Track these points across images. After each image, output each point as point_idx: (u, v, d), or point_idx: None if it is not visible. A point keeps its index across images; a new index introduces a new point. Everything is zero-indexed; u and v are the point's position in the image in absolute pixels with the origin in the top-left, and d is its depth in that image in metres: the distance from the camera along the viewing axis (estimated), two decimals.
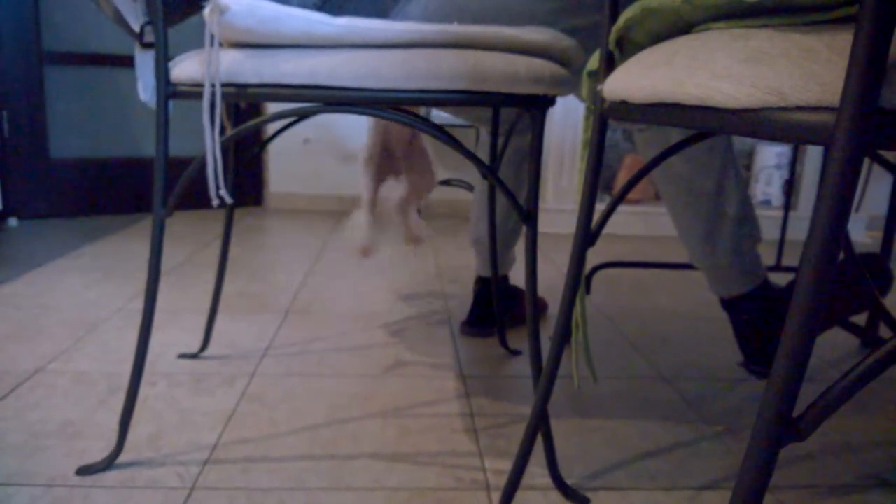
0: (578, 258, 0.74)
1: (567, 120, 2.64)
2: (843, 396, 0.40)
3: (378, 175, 1.41)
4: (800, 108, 0.41)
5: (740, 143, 2.87)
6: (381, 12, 1.12)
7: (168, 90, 0.83)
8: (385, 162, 1.41)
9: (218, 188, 0.81)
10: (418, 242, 1.48)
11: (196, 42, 0.79)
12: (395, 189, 1.47)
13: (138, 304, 1.60)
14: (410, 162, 1.43)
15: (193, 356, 1.30)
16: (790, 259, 1.91)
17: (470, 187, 2.98)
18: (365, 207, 1.41)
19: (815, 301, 0.39)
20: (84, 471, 0.89)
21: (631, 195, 2.81)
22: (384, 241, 1.43)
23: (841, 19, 0.44)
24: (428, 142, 1.44)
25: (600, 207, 0.65)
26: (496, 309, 1.41)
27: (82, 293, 1.68)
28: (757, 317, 1.19)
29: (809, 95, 0.40)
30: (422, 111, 1.25)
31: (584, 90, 0.75)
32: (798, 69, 0.41)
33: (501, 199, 1.38)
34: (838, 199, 0.37)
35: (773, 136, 0.43)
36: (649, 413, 1.12)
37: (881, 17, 0.35)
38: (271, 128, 2.91)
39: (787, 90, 0.41)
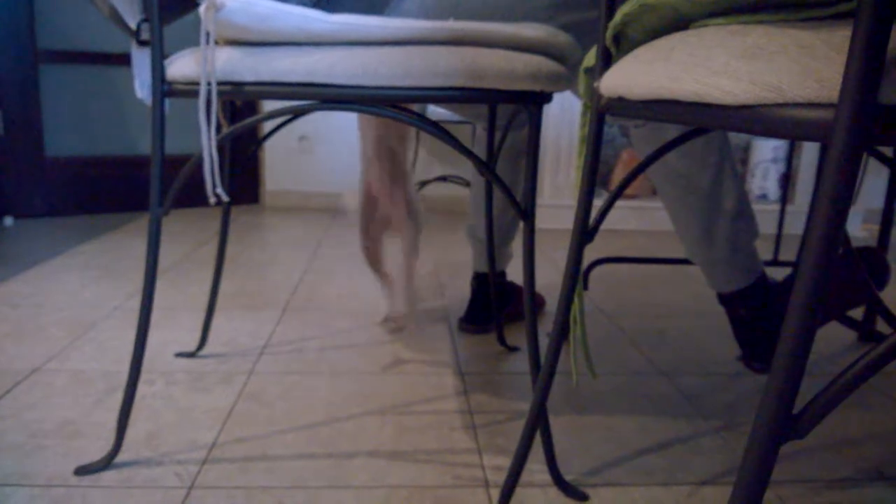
0: (576, 254, 0.74)
1: (563, 115, 2.63)
2: (843, 393, 0.40)
3: (367, 230, 1.41)
4: (798, 105, 0.41)
5: (736, 137, 2.87)
6: (377, 9, 1.12)
7: (164, 88, 0.83)
8: (371, 214, 1.40)
9: (214, 186, 0.81)
10: (402, 323, 1.51)
11: (192, 40, 0.79)
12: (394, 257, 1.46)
13: (135, 303, 1.60)
14: (398, 214, 1.38)
15: (191, 355, 1.29)
16: (787, 253, 1.91)
17: (467, 183, 2.98)
18: (368, 267, 1.44)
19: (814, 301, 0.38)
20: (82, 470, 0.89)
21: (627, 190, 2.81)
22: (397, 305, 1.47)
23: (839, 15, 0.44)
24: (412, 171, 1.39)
25: (597, 203, 0.65)
26: (494, 305, 1.41)
27: (79, 292, 1.67)
28: (755, 312, 1.19)
29: (808, 92, 0.40)
30: (415, 107, 1.27)
31: (581, 87, 0.75)
32: (796, 65, 0.41)
33: (498, 195, 1.38)
34: (837, 196, 0.37)
35: (771, 133, 0.43)
36: (648, 409, 1.13)
37: (880, 12, 0.35)
38: (267, 125, 2.91)
39: (785, 86, 0.41)
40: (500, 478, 0.91)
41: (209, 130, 0.79)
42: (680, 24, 0.58)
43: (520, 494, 0.87)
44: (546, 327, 1.51)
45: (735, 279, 1.19)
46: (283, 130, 3.05)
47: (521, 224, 0.89)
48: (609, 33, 0.65)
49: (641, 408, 1.13)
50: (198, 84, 0.79)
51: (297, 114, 0.84)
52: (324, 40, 0.79)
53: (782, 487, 0.90)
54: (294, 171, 3.08)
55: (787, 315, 0.40)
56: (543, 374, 0.79)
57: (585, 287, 1.86)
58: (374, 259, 1.44)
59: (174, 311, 1.56)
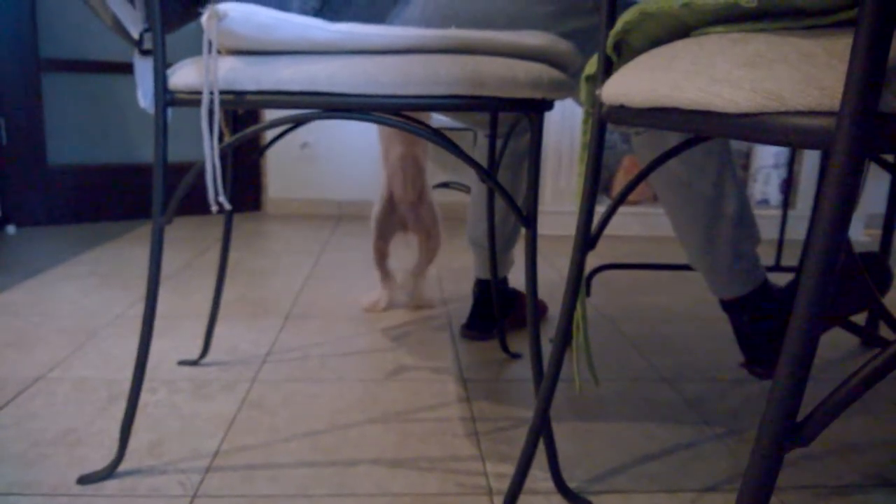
0: (578, 262, 0.74)
1: (564, 122, 2.64)
2: (847, 400, 0.39)
3: (383, 230, 1.60)
4: (799, 113, 0.41)
5: (737, 142, 2.87)
6: (379, 18, 1.12)
7: (166, 97, 0.83)
8: (389, 217, 1.59)
9: (217, 195, 0.81)
10: (428, 307, 1.70)
11: (195, 49, 0.79)
12: (406, 250, 1.71)
13: (137, 311, 1.60)
14: (418, 217, 1.60)
15: (193, 363, 1.29)
16: (789, 259, 1.91)
17: (468, 189, 2.99)
18: (374, 263, 1.64)
19: (817, 307, 0.38)
20: (85, 479, 0.89)
21: (629, 196, 2.81)
22: (392, 300, 1.69)
23: (839, 23, 0.44)
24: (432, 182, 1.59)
25: (599, 209, 0.65)
26: (496, 312, 1.40)
27: (81, 300, 1.67)
28: (757, 317, 1.19)
29: (809, 100, 0.40)
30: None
31: (583, 94, 0.75)
32: (797, 73, 0.41)
33: (500, 202, 1.38)
34: (839, 204, 0.37)
35: (773, 141, 0.43)
36: (651, 415, 1.12)
37: (881, 20, 0.35)
38: (269, 133, 2.91)
39: (787, 94, 0.41)
40: (504, 485, 0.91)
41: (211, 140, 0.79)
42: (681, 32, 0.58)
43: (523, 502, 0.87)
44: (548, 334, 1.51)
45: (737, 285, 1.19)
46: (285, 138, 3.06)
47: (523, 230, 0.89)
48: (610, 41, 0.66)
49: (644, 414, 1.13)
50: (200, 93, 0.79)
51: (298, 122, 0.84)
52: (325, 49, 0.79)
53: (786, 494, 0.90)
54: (296, 179, 3.08)
55: (791, 321, 0.40)
56: (546, 380, 0.79)
57: (588, 293, 1.86)
58: (381, 256, 1.63)
59: (177, 318, 1.56)
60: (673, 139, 1.14)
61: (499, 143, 1.32)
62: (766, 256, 1.40)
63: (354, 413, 1.11)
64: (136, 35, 0.87)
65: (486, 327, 1.48)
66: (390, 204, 1.58)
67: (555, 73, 0.85)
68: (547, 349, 1.32)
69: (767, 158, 2.80)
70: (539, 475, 0.93)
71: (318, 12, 1.08)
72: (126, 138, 2.79)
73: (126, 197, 2.79)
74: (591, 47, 1.06)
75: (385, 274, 1.66)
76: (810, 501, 0.88)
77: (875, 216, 2.80)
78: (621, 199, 0.72)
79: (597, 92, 0.68)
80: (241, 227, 2.72)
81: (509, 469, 0.95)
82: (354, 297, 1.76)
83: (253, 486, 0.89)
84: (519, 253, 1.51)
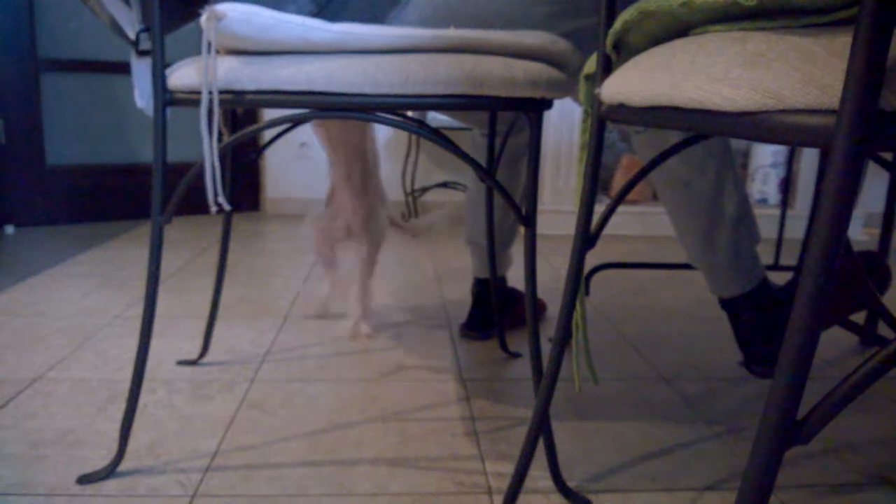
0: (578, 261, 0.74)
1: (563, 121, 2.64)
2: (847, 398, 0.40)
3: (329, 236, 1.47)
4: (798, 111, 0.41)
5: (736, 142, 2.87)
6: (378, 18, 1.12)
7: (165, 98, 0.83)
8: (332, 224, 1.46)
9: (216, 195, 0.81)
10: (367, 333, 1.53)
11: (193, 49, 0.79)
12: (351, 254, 1.52)
13: (136, 311, 1.60)
14: (361, 228, 1.45)
15: (193, 362, 1.29)
16: (788, 258, 1.91)
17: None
18: (326, 276, 1.55)
19: (817, 305, 0.38)
20: (85, 479, 0.89)
21: (628, 196, 2.81)
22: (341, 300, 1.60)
23: (838, 22, 0.44)
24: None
25: (598, 209, 0.65)
26: (495, 311, 1.40)
27: (80, 300, 1.67)
28: (757, 316, 1.19)
29: (808, 98, 0.40)
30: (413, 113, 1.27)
31: (582, 93, 0.75)
32: (796, 72, 0.41)
33: (498, 200, 1.38)
34: (839, 202, 0.37)
35: (772, 139, 0.43)
36: (650, 414, 1.12)
37: (880, 19, 0.35)
38: (268, 133, 2.91)
39: (786, 93, 0.41)
40: (503, 484, 0.91)
41: (211, 140, 0.79)
42: (680, 30, 0.58)
43: (523, 501, 0.87)
44: (548, 333, 1.51)
45: (737, 284, 1.19)
46: (284, 138, 3.05)
47: (522, 230, 0.89)
48: (609, 40, 0.66)
49: (644, 413, 1.13)
50: (199, 93, 0.79)
51: (297, 122, 0.84)
52: (324, 49, 0.79)
53: (785, 492, 0.90)
54: (295, 179, 3.08)
55: (790, 320, 0.40)
56: (546, 379, 0.79)
57: (587, 292, 1.86)
58: (328, 263, 1.52)
59: (175, 319, 1.56)
60: (674, 137, 1.14)
61: (497, 141, 1.32)
62: (765, 255, 1.40)
63: (353, 413, 1.11)
64: (133, 35, 0.87)
65: (486, 326, 1.48)
66: (330, 204, 1.46)
67: (553, 73, 0.85)
68: (546, 348, 1.32)
69: (766, 157, 2.80)
70: (538, 474, 0.93)
71: (315, 16, 1.08)
72: (125, 138, 2.79)
73: (125, 197, 2.79)
74: (591, 47, 1.06)
75: (333, 281, 1.58)
76: (809, 500, 0.88)
77: (874, 215, 2.80)
78: (621, 198, 0.72)
79: (596, 91, 0.68)
80: (240, 227, 2.72)
81: (509, 468, 0.95)
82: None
83: (252, 485, 0.89)
84: (517, 252, 1.51)
